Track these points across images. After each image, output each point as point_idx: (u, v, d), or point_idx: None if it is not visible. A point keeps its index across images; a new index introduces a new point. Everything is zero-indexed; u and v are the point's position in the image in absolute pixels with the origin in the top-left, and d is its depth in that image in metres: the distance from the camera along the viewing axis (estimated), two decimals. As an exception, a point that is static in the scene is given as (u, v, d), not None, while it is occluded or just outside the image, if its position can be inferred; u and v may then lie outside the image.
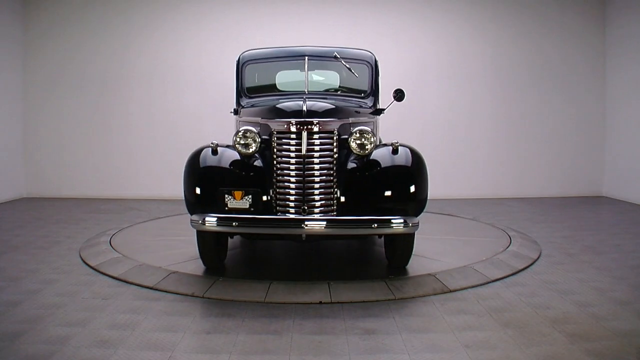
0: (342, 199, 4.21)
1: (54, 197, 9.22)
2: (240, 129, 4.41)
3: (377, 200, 4.20)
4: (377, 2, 9.38)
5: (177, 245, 5.43)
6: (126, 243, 5.60)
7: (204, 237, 4.43)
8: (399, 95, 5.41)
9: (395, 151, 4.43)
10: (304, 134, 4.17)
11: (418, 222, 4.18)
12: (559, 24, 9.54)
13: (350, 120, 4.57)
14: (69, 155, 9.37)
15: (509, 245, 5.50)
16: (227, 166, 4.35)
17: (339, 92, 5.67)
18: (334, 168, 4.26)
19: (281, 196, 4.21)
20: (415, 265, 4.76)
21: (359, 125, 4.57)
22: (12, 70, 9.08)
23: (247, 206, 4.12)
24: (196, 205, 4.28)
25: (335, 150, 4.30)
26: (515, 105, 9.54)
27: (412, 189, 4.30)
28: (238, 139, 4.36)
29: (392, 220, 4.08)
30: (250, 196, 4.11)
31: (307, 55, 5.58)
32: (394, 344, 3.24)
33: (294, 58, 5.68)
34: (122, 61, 9.34)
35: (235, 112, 5.51)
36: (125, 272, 4.59)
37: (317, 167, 4.22)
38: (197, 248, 4.54)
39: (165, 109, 9.27)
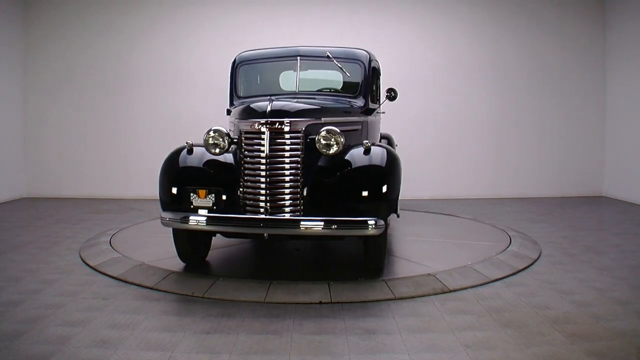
0: (309, 199, 4.16)
1: (54, 197, 9.22)
2: (210, 129, 4.45)
3: (343, 201, 4.11)
4: (377, 5, 9.38)
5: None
6: (126, 243, 5.60)
7: (177, 234, 4.51)
8: (391, 94, 5.40)
9: (367, 151, 4.34)
10: (267, 134, 4.17)
11: (384, 224, 4.05)
12: (560, 24, 9.54)
13: (323, 120, 4.46)
14: (69, 156, 9.37)
15: (509, 245, 5.50)
16: (195, 165, 4.44)
17: (331, 92, 5.63)
18: (299, 168, 4.20)
19: (248, 195, 4.22)
20: (415, 265, 4.76)
21: (343, 126, 4.55)
22: (12, 71, 9.08)
23: (211, 204, 4.20)
24: (166, 203, 4.37)
25: (300, 150, 4.23)
26: (515, 106, 9.54)
27: (380, 190, 4.17)
28: (207, 139, 4.42)
29: (354, 222, 3.99)
30: (213, 195, 4.20)
31: (299, 56, 5.61)
32: (393, 344, 3.24)
33: (287, 59, 5.70)
34: (122, 62, 9.35)
35: (228, 112, 5.55)
36: (125, 272, 4.59)
37: (279, 167, 4.19)
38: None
39: (165, 110, 9.27)
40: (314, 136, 4.31)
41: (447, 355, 3.09)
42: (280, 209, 4.16)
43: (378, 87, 6.22)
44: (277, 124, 4.17)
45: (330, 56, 5.54)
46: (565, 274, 4.70)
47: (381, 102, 6.33)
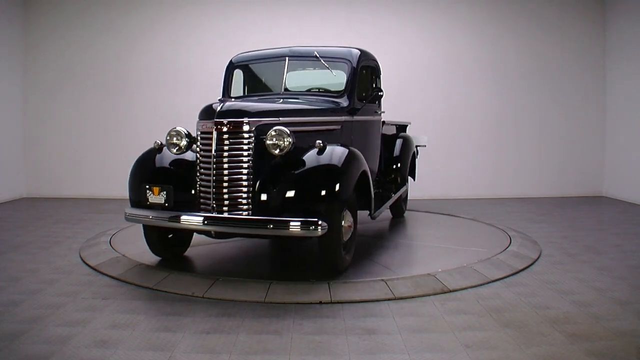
0: (258, 198, 4.18)
1: (54, 197, 9.22)
2: (171, 129, 4.60)
3: (290, 201, 4.10)
4: (377, 5, 9.38)
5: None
6: (126, 243, 5.60)
7: (144, 228, 4.72)
8: (377, 93, 5.39)
9: (320, 151, 4.32)
10: (214, 135, 4.22)
11: (322, 225, 3.96)
12: (559, 24, 9.55)
13: (282, 120, 4.47)
14: (69, 156, 9.38)
15: (509, 245, 5.50)
16: (155, 164, 4.62)
17: (320, 91, 5.63)
18: (247, 168, 4.22)
19: (201, 194, 4.29)
20: (415, 265, 4.76)
21: (308, 126, 4.63)
22: (12, 71, 9.08)
23: (163, 201, 4.36)
24: (131, 199, 4.61)
25: (248, 150, 4.24)
26: (515, 106, 9.55)
27: (328, 190, 4.13)
28: (167, 139, 4.59)
29: (291, 223, 3.95)
30: (165, 192, 4.35)
31: (287, 56, 5.67)
32: (394, 344, 3.24)
33: (276, 59, 5.75)
34: (122, 62, 9.36)
35: None
36: (125, 272, 4.59)
37: (227, 166, 4.21)
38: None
39: (165, 110, 9.26)
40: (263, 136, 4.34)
41: (447, 355, 3.09)
42: (227, 207, 4.20)
43: (377, 87, 6.20)
44: (225, 124, 4.22)
45: (318, 56, 5.55)
46: (565, 274, 4.70)
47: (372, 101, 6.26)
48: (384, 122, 6.55)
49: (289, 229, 3.97)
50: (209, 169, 4.22)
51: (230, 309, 3.80)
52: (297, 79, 5.81)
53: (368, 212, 4.99)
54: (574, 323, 3.54)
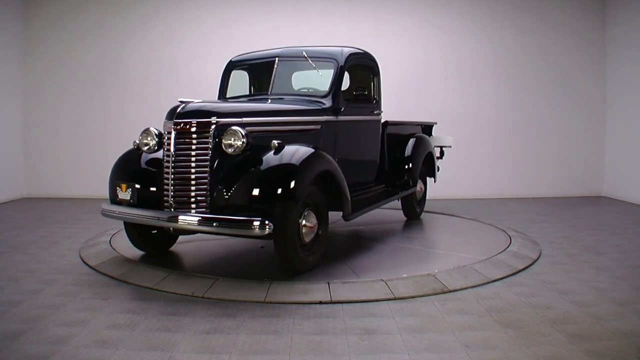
0: (214, 197, 4.26)
1: (54, 197, 9.22)
2: (144, 130, 4.78)
3: (239, 200, 4.18)
4: (379, 3, 9.39)
5: (177, 246, 5.42)
6: (126, 243, 5.59)
7: (125, 224, 4.92)
8: (358, 92, 5.38)
9: (276, 151, 4.37)
10: (172, 135, 4.35)
11: (263, 225, 3.98)
12: (559, 24, 9.55)
13: (245, 120, 4.53)
14: (69, 155, 9.38)
15: (509, 245, 5.50)
16: (128, 163, 4.83)
17: (309, 92, 5.65)
18: (204, 167, 4.29)
19: (164, 192, 4.40)
20: (415, 265, 4.76)
21: (276, 126, 4.73)
22: (12, 71, 9.08)
23: (129, 198, 4.56)
24: (109, 196, 4.83)
25: (204, 150, 4.31)
26: (515, 105, 9.55)
27: (275, 190, 4.16)
28: (140, 138, 4.78)
29: (236, 221, 4.04)
30: (130, 189, 4.57)
31: (278, 57, 5.74)
32: (394, 344, 3.24)
33: (269, 60, 5.82)
34: (122, 62, 9.35)
35: None
36: (125, 272, 4.59)
37: (185, 165, 4.32)
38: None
39: (166, 110, 9.24)
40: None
41: (447, 355, 3.09)
42: (183, 205, 4.29)
43: (376, 87, 6.14)
44: (181, 125, 4.33)
45: (306, 56, 5.58)
46: (565, 274, 4.70)
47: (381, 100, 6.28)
48: (387, 122, 6.46)
49: (230, 227, 4.06)
50: (168, 168, 4.36)
51: (230, 309, 3.80)
52: (287, 79, 5.86)
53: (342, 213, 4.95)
54: (574, 323, 3.54)
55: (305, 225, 4.39)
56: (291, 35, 8.69)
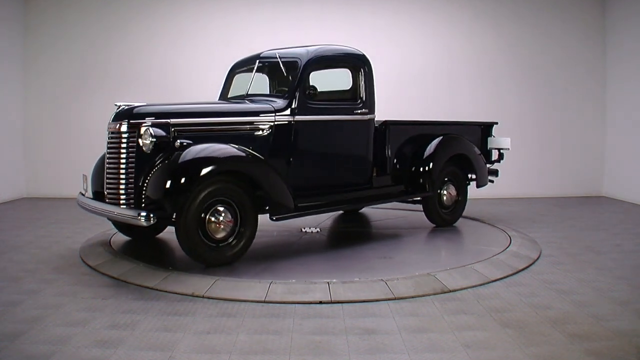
0: (129, 190, 4.66)
1: (54, 197, 9.22)
2: None
3: (143, 194, 4.60)
4: (379, 3, 9.39)
5: (177, 245, 5.41)
6: (126, 243, 5.61)
7: None
8: (310, 92, 5.35)
9: (178, 149, 4.62)
10: (107, 134, 4.87)
11: (146, 216, 4.26)
12: (559, 24, 9.55)
13: (172, 121, 4.78)
14: (69, 155, 9.36)
15: (509, 245, 5.50)
16: (102, 159, 5.18)
17: (275, 94, 5.71)
18: (127, 164, 4.65)
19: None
20: (415, 265, 4.76)
21: (209, 126, 4.97)
22: (12, 71, 9.08)
23: (85, 189, 5.24)
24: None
25: (127, 148, 4.66)
26: (515, 105, 9.54)
27: (165, 186, 4.45)
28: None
29: (127, 214, 4.46)
30: (86, 182, 5.28)
31: (258, 59, 5.88)
32: (394, 344, 3.24)
33: (252, 63, 5.94)
34: (122, 62, 9.35)
35: None
36: (125, 272, 4.59)
37: (113, 162, 4.74)
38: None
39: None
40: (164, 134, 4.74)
41: (447, 355, 3.09)
42: (114, 199, 4.70)
43: (362, 86, 5.79)
44: (115, 125, 4.75)
45: (278, 57, 5.63)
46: (565, 274, 4.70)
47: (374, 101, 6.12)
48: (386, 122, 6.14)
49: (129, 218, 4.43)
50: (105, 165, 4.84)
51: (230, 309, 3.80)
52: (264, 81, 5.99)
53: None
54: (574, 323, 3.54)
55: (212, 221, 4.58)
56: (292, 37, 8.68)
